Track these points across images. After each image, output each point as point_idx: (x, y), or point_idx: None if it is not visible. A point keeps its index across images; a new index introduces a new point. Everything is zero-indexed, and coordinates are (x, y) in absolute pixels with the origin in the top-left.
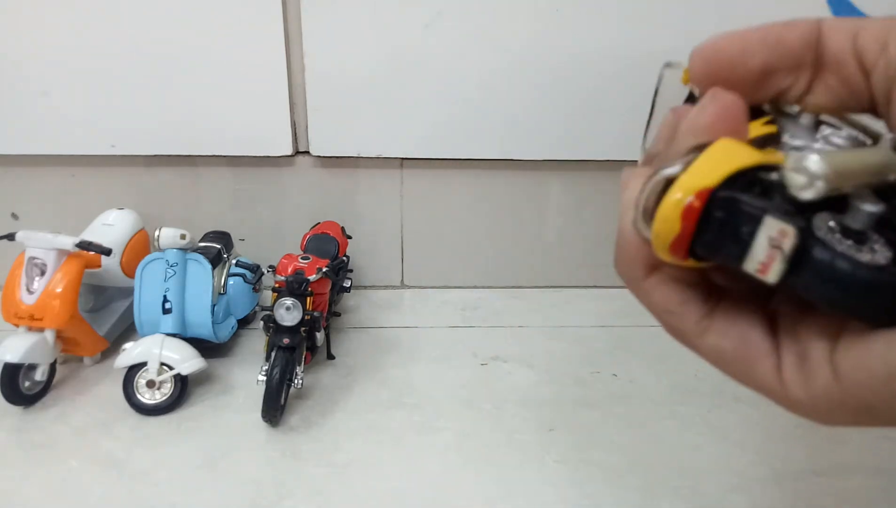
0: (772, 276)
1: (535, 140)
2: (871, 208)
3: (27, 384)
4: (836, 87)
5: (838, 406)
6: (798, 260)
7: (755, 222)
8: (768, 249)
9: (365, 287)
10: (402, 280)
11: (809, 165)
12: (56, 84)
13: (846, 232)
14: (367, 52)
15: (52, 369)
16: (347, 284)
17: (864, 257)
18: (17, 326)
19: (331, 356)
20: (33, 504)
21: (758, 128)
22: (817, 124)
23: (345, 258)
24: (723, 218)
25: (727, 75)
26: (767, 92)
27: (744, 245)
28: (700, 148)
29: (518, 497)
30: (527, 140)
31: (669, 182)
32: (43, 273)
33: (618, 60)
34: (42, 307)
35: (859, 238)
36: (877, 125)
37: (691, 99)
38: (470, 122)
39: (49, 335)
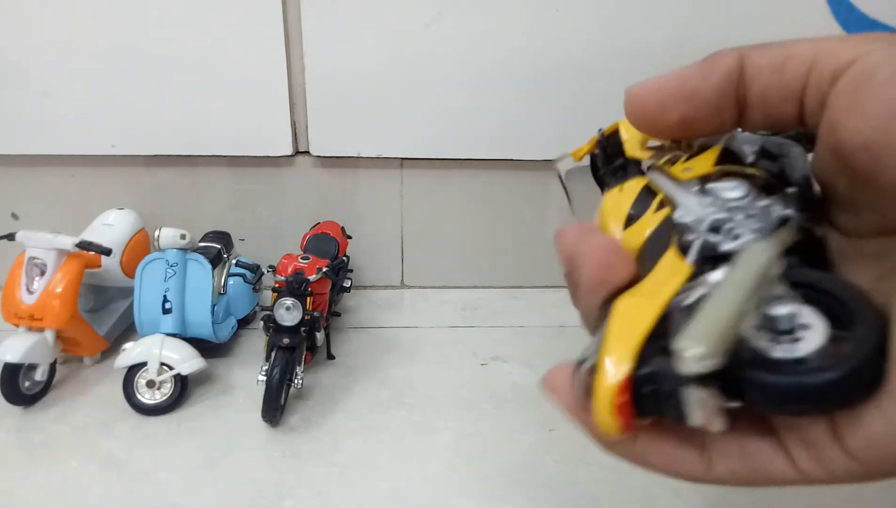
0: (717, 427)
1: (535, 140)
2: (781, 311)
3: (27, 384)
4: (761, 120)
5: (866, 477)
6: (738, 390)
7: (677, 393)
8: (701, 410)
9: (365, 287)
10: (402, 280)
11: (688, 358)
12: (56, 84)
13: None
14: (367, 52)
15: (52, 369)
16: (347, 284)
17: (796, 350)
18: (17, 326)
19: (331, 356)
20: (33, 504)
21: (650, 219)
22: (704, 181)
23: (345, 258)
24: (651, 392)
25: (651, 126)
26: (693, 137)
27: (680, 408)
28: (604, 308)
29: (518, 497)
30: (527, 140)
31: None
32: (43, 273)
33: (618, 60)
34: (42, 307)
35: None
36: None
37: (607, 155)
38: (470, 122)
39: (49, 335)
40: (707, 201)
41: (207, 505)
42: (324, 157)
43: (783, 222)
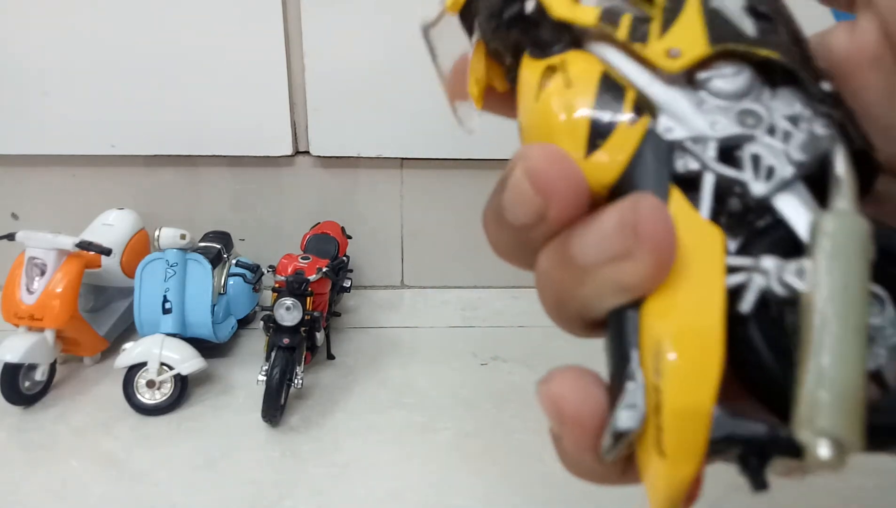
0: (799, 477)
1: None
2: (877, 320)
3: (27, 384)
4: None
5: None
6: None
7: (762, 459)
8: (789, 470)
9: (365, 287)
10: (402, 280)
11: (826, 457)
12: (56, 84)
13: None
14: (367, 52)
15: (52, 369)
16: (347, 284)
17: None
18: (17, 326)
19: (331, 356)
20: (33, 504)
21: (627, 133)
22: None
23: (345, 258)
24: (720, 452)
25: None
26: None
27: (760, 472)
28: (621, 312)
29: (518, 497)
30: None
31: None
32: (43, 273)
33: None
34: (42, 307)
35: None
36: None
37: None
38: None
39: (49, 335)
40: (703, 102)
41: (207, 505)
42: (324, 157)
43: (829, 144)
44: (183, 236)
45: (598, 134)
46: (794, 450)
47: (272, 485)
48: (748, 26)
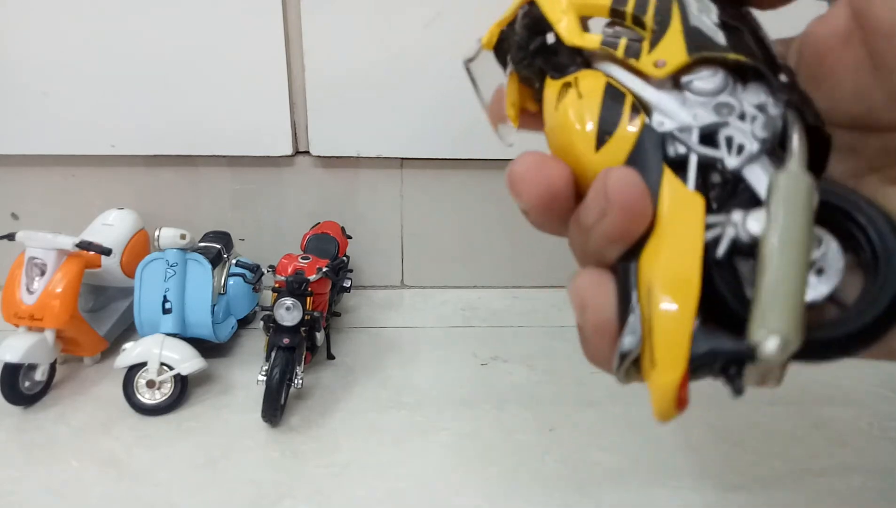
0: (774, 385)
1: (535, 140)
2: (816, 254)
3: (27, 384)
4: None
5: None
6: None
7: (738, 367)
8: (761, 376)
9: (365, 287)
10: (402, 280)
11: (773, 350)
12: (56, 84)
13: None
14: (367, 52)
15: (52, 369)
16: (347, 284)
17: (823, 285)
18: (17, 326)
19: (331, 356)
20: (33, 504)
21: (626, 134)
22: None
23: (345, 258)
24: (706, 366)
25: None
26: None
27: (737, 378)
28: (621, 263)
29: (518, 497)
30: (527, 140)
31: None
32: (43, 273)
33: None
34: (42, 307)
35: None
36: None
37: (530, 33)
38: (470, 122)
39: (49, 335)
40: (687, 100)
41: (207, 505)
42: (324, 157)
43: (786, 123)
44: (183, 236)
45: (605, 132)
46: (752, 354)
47: (272, 485)
48: (720, 37)
